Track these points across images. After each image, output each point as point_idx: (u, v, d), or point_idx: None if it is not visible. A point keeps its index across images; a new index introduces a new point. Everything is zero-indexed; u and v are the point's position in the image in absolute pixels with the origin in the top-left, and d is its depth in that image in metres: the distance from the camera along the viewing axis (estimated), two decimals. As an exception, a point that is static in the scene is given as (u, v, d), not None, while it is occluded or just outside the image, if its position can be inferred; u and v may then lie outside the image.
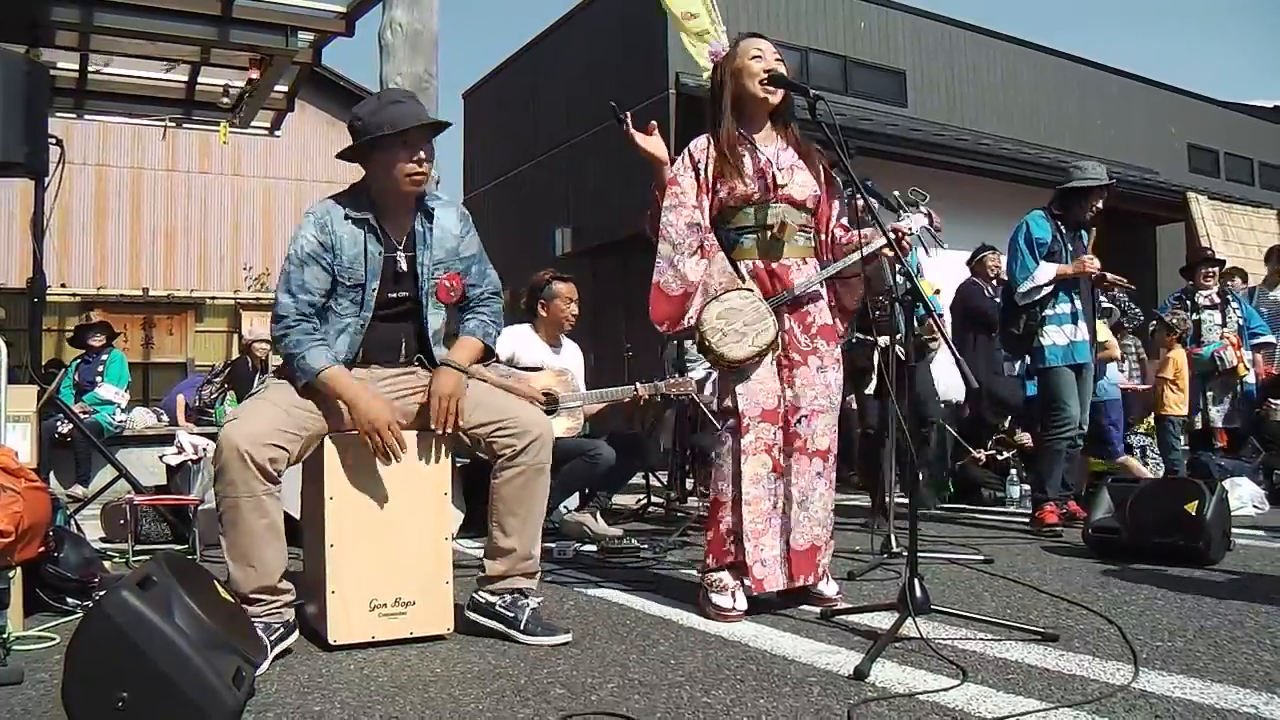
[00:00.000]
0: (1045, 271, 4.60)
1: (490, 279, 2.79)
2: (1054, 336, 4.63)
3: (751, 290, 2.79)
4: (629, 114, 2.88)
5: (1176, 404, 6.33)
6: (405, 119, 2.51)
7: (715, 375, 3.31)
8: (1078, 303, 4.63)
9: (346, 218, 2.57)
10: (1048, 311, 4.64)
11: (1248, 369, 6.39)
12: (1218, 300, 6.47)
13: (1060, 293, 4.62)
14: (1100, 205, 4.70)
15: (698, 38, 5.51)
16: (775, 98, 2.87)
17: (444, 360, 2.58)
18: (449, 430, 2.52)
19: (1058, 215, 4.72)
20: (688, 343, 4.82)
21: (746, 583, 2.78)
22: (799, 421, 2.82)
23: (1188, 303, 6.52)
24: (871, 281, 3.27)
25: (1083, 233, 4.83)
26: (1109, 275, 4.77)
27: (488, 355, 2.72)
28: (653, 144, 2.90)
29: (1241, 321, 6.44)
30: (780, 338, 2.81)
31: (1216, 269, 6.62)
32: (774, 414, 2.79)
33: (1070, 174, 4.78)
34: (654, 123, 2.94)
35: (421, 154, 2.53)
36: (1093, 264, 4.57)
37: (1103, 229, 5.13)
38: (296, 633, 2.46)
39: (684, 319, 2.82)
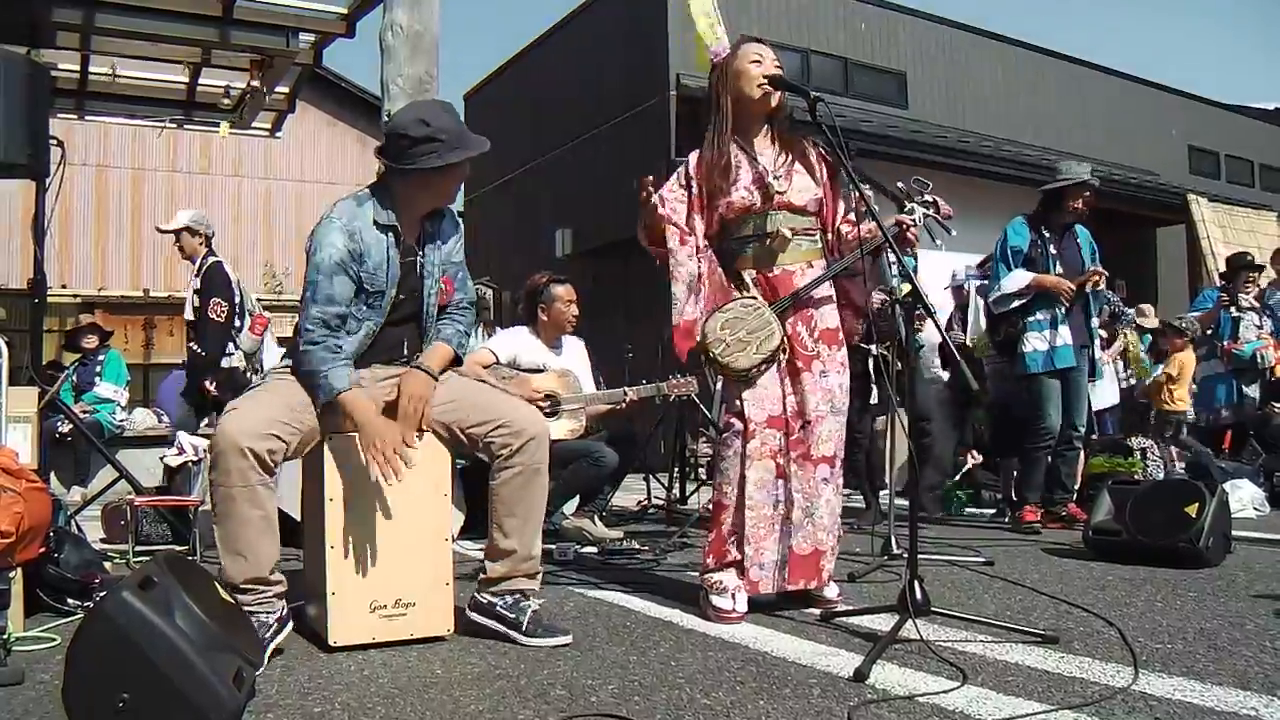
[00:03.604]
0: (1014, 280, 4.64)
1: (469, 288, 2.83)
2: (1034, 343, 4.66)
3: (754, 298, 2.79)
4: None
5: (1178, 400, 6.44)
6: (479, 144, 2.58)
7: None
8: (1058, 309, 4.65)
9: (374, 223, 2.56)
10: (1028, 318, 4.68)
11: None
12: (1256, 304, 6.73)
13: (1039, 299, 4.65)
14: (1080, 204, 4.70)
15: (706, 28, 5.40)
16: (773, 100, 2.86)
17: (417, 364, 2.59)
18: (414, 431, 2.52)
19: (1042, 218, 4.75)
20: None
21: (740, 581, 2.78)
22: (802, 427, 2.81)
23: (1228, 302, 6.71)
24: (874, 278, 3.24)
25: (1079, 230, 4.83)
26: (1094, 273, 4.70)
27: (456, 364, 2.73)
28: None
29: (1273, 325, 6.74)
30: (785, 342, 2.80)
31: (1256, 274, 6.92)
32: (778, 420, 2.79)
33: (1054, 176, 4.82)
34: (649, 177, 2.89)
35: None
36: (1066, 286, 4.57)
37: (1103, 230, 5.11)
38: (290, 627, 2.46)
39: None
